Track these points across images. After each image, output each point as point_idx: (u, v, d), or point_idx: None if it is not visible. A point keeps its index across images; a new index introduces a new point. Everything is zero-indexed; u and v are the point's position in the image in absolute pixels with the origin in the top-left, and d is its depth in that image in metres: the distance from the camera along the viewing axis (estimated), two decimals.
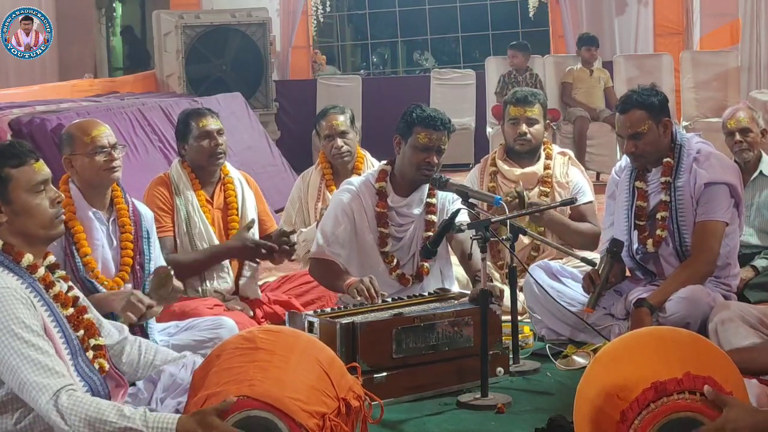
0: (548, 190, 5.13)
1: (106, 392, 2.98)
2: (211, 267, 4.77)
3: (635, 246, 4.46)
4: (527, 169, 5.18)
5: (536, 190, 5.14)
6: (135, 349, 3.32)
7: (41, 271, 2.96)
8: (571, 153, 5.37)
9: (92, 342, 3.03)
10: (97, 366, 2.99)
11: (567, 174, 5.18)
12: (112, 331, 3.25)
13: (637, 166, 4.46)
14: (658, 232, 4.38)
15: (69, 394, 2.73)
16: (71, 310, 2.98)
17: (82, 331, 2.98)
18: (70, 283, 3.11)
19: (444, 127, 4.41)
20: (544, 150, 5.24)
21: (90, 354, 2.99)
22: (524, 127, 5.11)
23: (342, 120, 5.55)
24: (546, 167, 5.18)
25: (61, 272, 3.07)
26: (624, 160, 4.61)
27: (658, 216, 4.39)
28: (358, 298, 4.14)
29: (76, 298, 3.05)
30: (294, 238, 4.87)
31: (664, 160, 4.38)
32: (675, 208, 4.35)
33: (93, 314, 3.12)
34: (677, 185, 4.35)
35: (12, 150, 2.97)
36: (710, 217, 4.29)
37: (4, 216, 2.92)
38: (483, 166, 5.33)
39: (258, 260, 4.83)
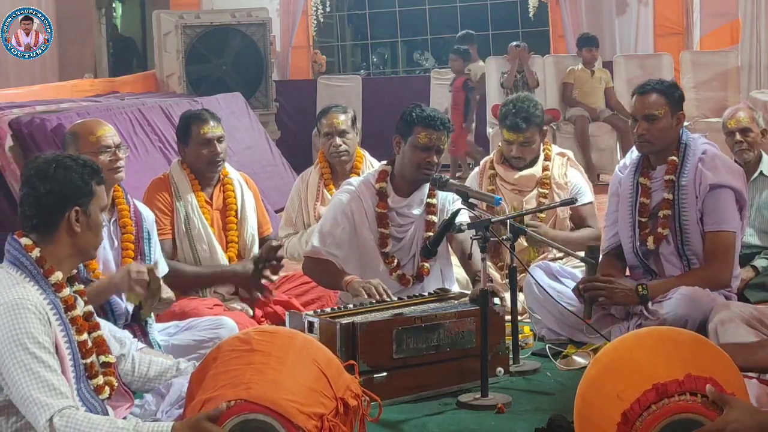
0: (546, 191, 5.11)
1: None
2: (210, 285, 4.78)
3: (637, 243, 4.45)
4: (525, 172, 5.17)
5: (534, 191, 5.13)
6: (129, 363, 3.33)
7: (66, 291, 2.97)
8: (570, 154, 5.35)
9: (102, 359, 3.04)
10: (107, 389, 3.00)
11: (565, 175, 5.17)
12: (113, 346, 3.25)
13: (641, 152, 4.45)
14: (660, 230, 4.38)
15: (62, 414, 2.73)
16: (85, 336, 2.99)
17: (90, 359, 2.99)
18: (86, 298, 3.12)
19: (443, 127, 4.42)
20: (543, 151, 5.23)
21: (100, 379, 2.99)
22: (517, 152, 5.11)
23: (343, 119, 5.56)
24: (544, 168, 5.17)
25: (78, 286, 3.08)
26: (628, 158, 4.60)
27: (661, 214, 4.38)
28: (365, 296, 4.13)
29: (89, 314, 3.06)
30: (282, 252, 4.86)
31: (669, 158, 4.38)
32: (678, 207, 4.35)
33: (104, 331, 3.13)
34: (681, 184, 4.35)
35: (96, 168, 3.06)
36: (721, 228, 4.29)
37: (79, 227, 2.98)
38: (483, 169, 5.32)
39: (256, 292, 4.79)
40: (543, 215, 5.07)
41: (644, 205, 4.44)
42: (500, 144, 5.32)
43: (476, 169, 5.43)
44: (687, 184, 4.34)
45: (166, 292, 3.98)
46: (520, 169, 5.17)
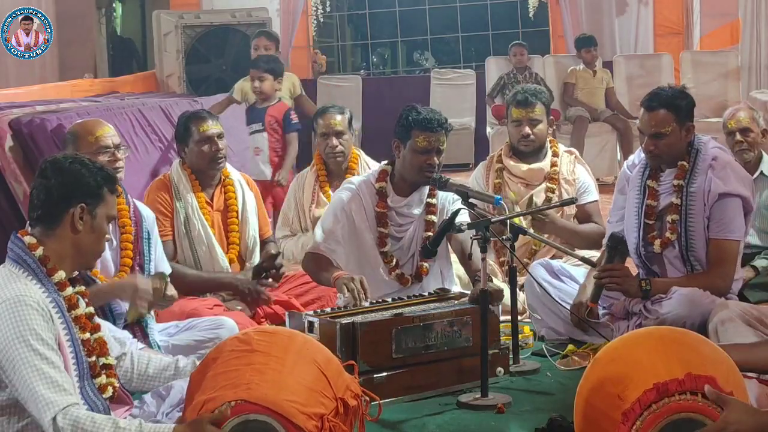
0: (555, 186, 5.16)
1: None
2: (209, 291, 4.78)
3: (641, 244, 4.43)
4: (534, 165, 5.22)
5: (543, 186, 5.17)
6: (128, 361, 3.34)
7: (69, 290, 2.99)
8: (577, 152, 5.41)
9: (102, 361, 3.05)
10: (110, 389, 3.01)
11: (574, 171, 5.23)
12: (114, 346, 3.25)
13: (651, 165, 4.42)
14: (667, 234, 4.34)
15: (65, 412, 2.74)
16: (87, 335, 3.00)
17: (93, 357, 3.00)
18: (87, 299, 3.12)
19: (441, 128, 4.41)
20: (551, 147, 5.28)
21: (103, 378, 3.00)
22: (527, 129, 5.15)
23: (339, 120, 5.57)
24: (553, 164, 5.22)
25: (80, 287, 3.09)
26: (637, 156, 4.57)
27: (668, 218, 4.35)
28: (346, 294, 4.13)
29: (90, 315, 3.07)
30: (280, 259, 4.87)
31: (679, 162, 4.33)
32: (685, 212, 4.31)
33: (105, 332, 3.14)
34: (690, 190, 4.30)
35: (111, 176, 3.11)
36: (726, 236, 4.26)
37: (82, 225, 2.99)
38: (489, 164, 5.36)
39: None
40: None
41: (651, 207, 4.40)
42: (507, 141, 5.34)
43: (482, 163, 5.46)
44: (696, 191, 4.29)
45: (170, 290, 3.98)
46: (529, 163, 5.21)
